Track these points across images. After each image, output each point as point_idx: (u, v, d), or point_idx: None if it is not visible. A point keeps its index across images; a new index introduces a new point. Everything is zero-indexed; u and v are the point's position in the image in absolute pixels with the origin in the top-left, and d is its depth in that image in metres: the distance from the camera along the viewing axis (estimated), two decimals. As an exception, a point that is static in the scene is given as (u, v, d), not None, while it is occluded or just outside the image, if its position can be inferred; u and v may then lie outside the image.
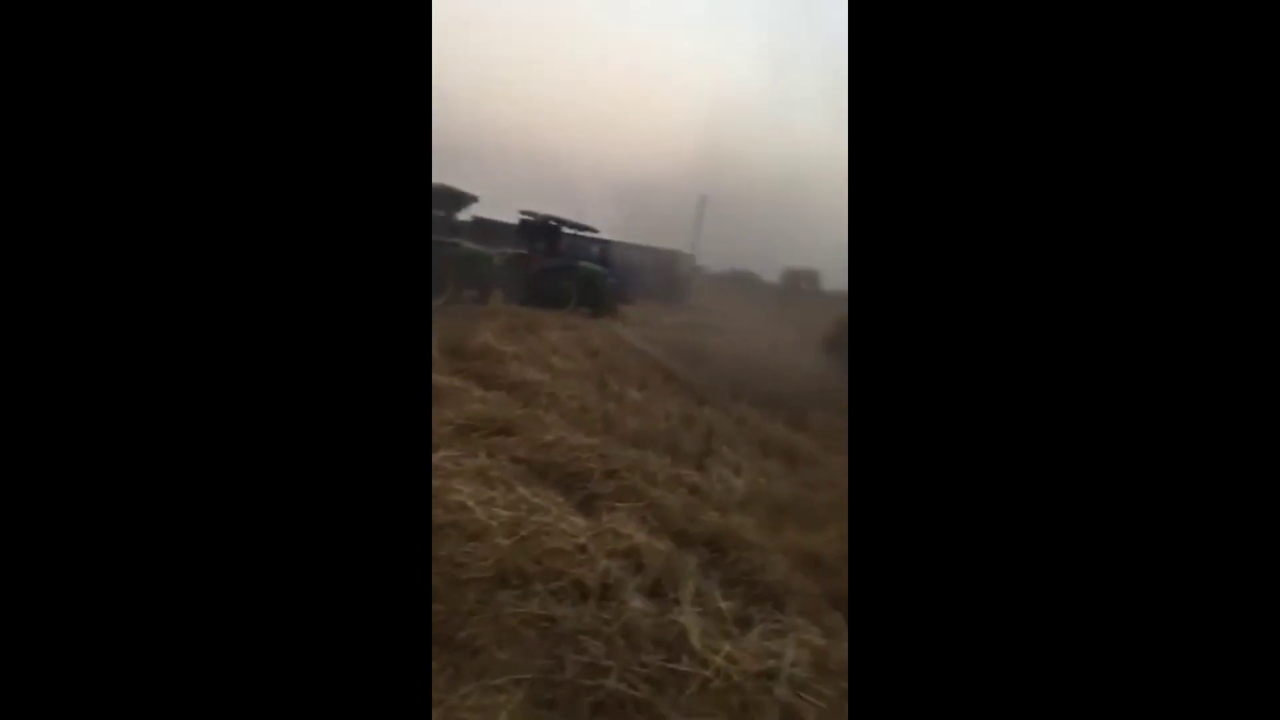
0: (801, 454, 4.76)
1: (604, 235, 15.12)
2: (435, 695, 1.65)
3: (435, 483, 2.70)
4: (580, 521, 2.67)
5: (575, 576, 2.24)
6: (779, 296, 25.33)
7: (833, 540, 3.01)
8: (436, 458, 3.05)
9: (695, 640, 1.92)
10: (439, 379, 4.68)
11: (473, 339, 6.46)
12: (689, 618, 2.04)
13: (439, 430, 3.57)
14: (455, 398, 4.35)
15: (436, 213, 10.62)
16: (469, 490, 2.71)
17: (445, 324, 6.52)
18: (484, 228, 13.19)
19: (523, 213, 13.86)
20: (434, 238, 8.56)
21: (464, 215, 12.71)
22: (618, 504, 3.02)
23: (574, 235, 14.18)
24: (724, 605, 2.21)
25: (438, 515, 2.45)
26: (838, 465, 4.57)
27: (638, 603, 2.14)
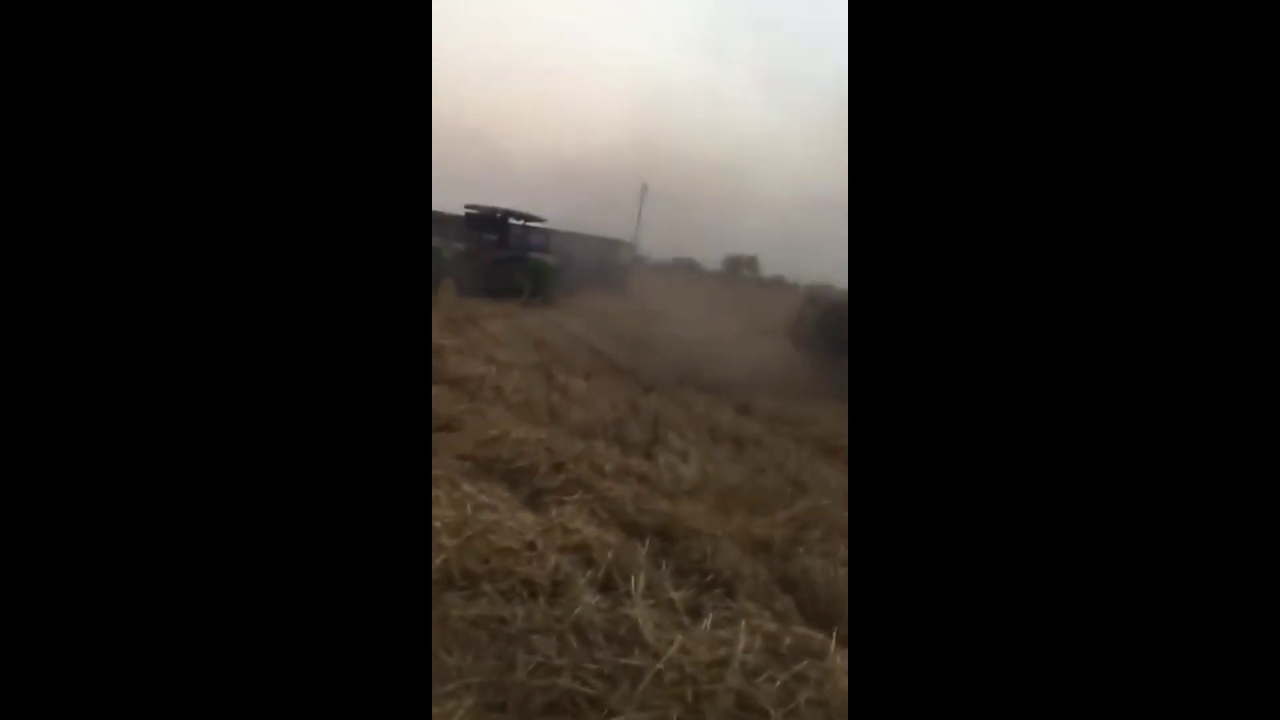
0: (748, 438, 4.81)
1: (551, 226, 15.01)
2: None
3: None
4: (528, 517, 2.63)
5: (524, 575, 2.20)
6: (721, 283, 25.56)
7: (781, 524, 3.05)
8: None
9: (647, 633, 1.91)
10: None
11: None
12: (641, 610, 2.02)
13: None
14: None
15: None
16: (411, 490, 2.63)
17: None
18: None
19: (468, 206, 13.63)
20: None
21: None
22: (566, 498, 2.98)
23: (522, 226, 14.02)
24: (675, 595, 2.20)
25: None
26: (784, 449, 4.64)
27: (589, 598, 2.11)
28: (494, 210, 13.67)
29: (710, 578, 2.46)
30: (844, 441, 4.90)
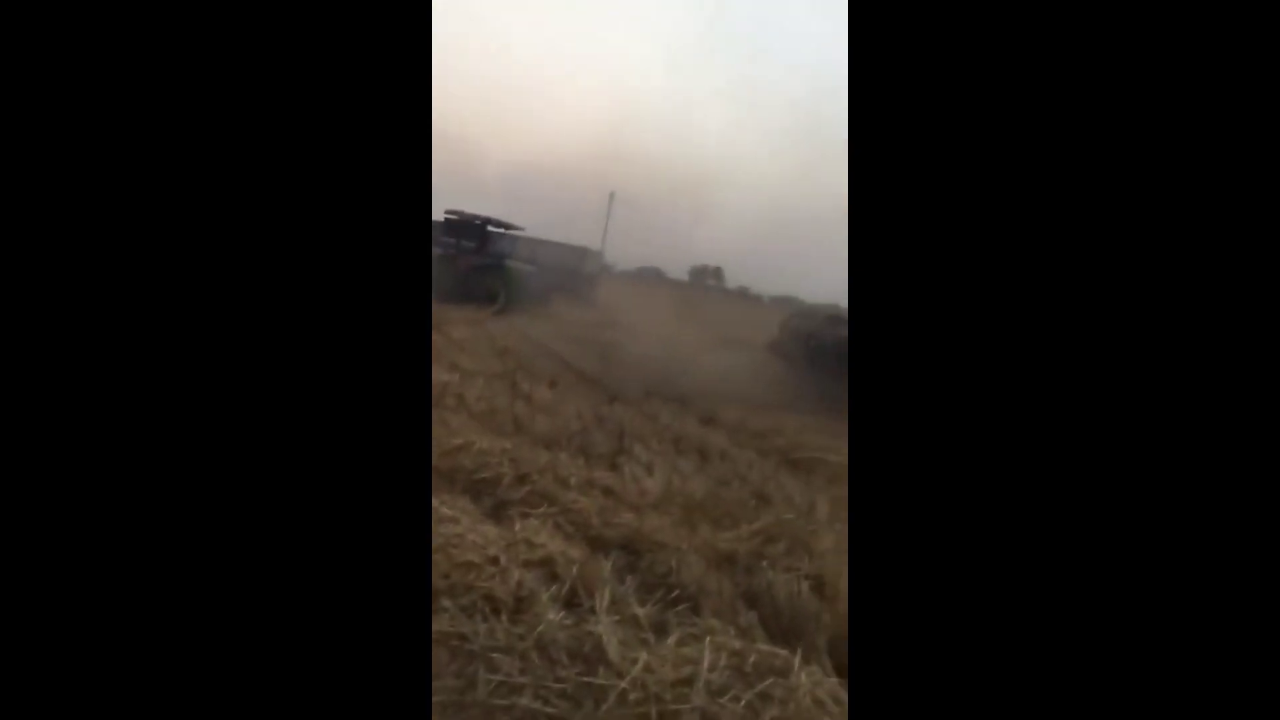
0: (713, 450, 4.81)
1: (527, 233, 15.02)
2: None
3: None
4: (491, 531, 2.58)
5: (486, 590, 2.16)
6: (686, 293, 25.68)
7: (744, 537, 3.05)
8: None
9: (612, 651, 1.88)
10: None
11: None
12: (605, 627, 2.00)
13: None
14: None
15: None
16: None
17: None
18: None
19: (448, 212, 13.58)
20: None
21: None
22: (530, 510, 2.94)
23: (501, 234, 14.02)
24: (640, 612, 2.19)
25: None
26: (748, 460, 4.66)
27: (552, 615, 2.08)
28: (474, 217, 13.63)
29: (675, 593, 2.44)
30: (807, 454, 4.94)
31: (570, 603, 2.23)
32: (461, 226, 13.51)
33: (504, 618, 2.05)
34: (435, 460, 3.34)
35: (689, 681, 1.80)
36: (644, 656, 1.87)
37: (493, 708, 1.72)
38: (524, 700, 1.73)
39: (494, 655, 1.87)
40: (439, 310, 9.23)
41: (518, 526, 2.68)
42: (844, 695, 1.89)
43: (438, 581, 2.16)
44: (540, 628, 1.99)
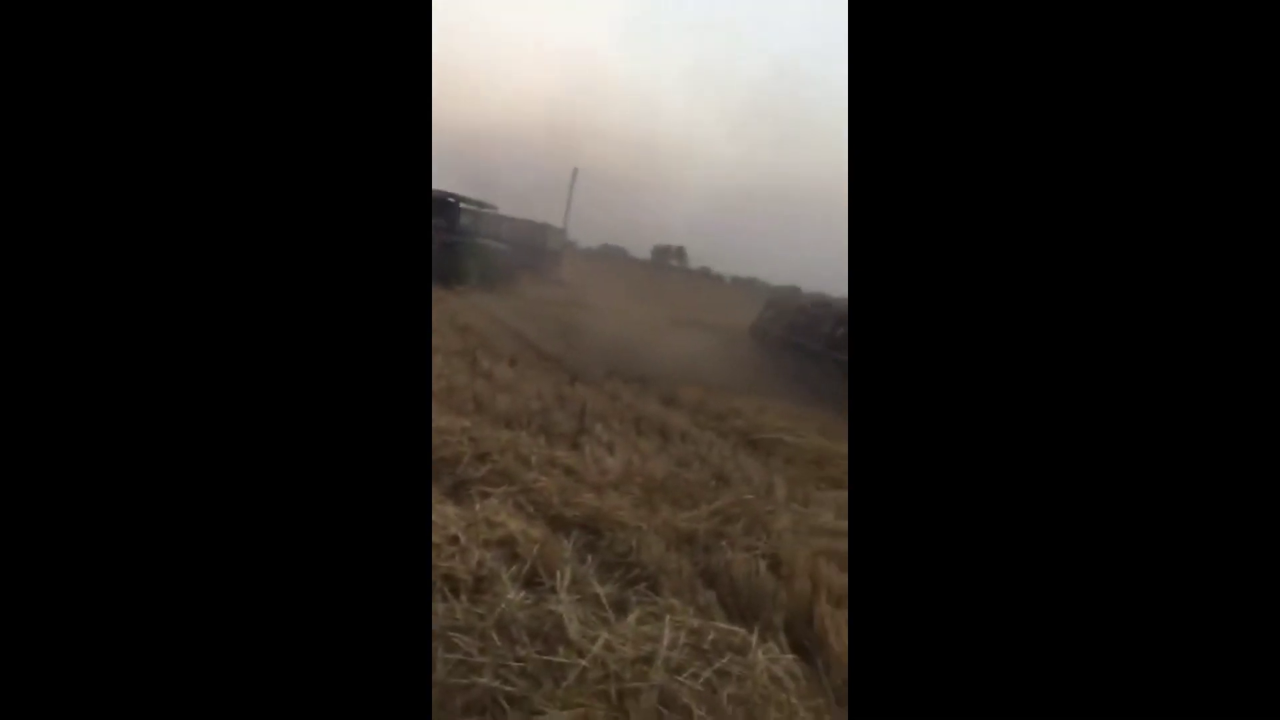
0: (674, 431, 4.84)
1: (497, 211, 14.80)
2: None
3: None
4: (451, 510, 2.57)
5: (446, 570, 2.15)
6: (649, 272, 25.65)
7: (704, 517, 3.08)
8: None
9: (572, 630, 1.89)
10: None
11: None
12: (566, 607, 2.00)
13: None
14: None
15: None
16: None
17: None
18: None
19: None
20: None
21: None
22: (490, 489, 2.92)
23: (473, 212, 13.79)
24: (601, 591, 2.20)
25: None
26: (708, 441, 4.70)
27: (513, 594, 2.08)
28: (445, 195, 13.36)
29: (635, 572, 2.46)
30: (766, 435, 5.00)
31: (531, 582, 2.23)
32: (433, 204, 13.29)
33: (464, 597, 2.05)
34: (393, 438, 3.29)
35: (649, 659, 1.82)
36: (604, 635, 1.88)
37: (451, 687, 1.71)
38: (483, 679, 1.73)
39: (453, 635, 1.86)
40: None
41: (478, 506, 2.66)
42: (799, 671, 1.94)
43: (396, 561, 2.14)
44: (500, 607, 1.99)
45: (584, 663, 1.78)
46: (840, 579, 2.59)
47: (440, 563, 2.18)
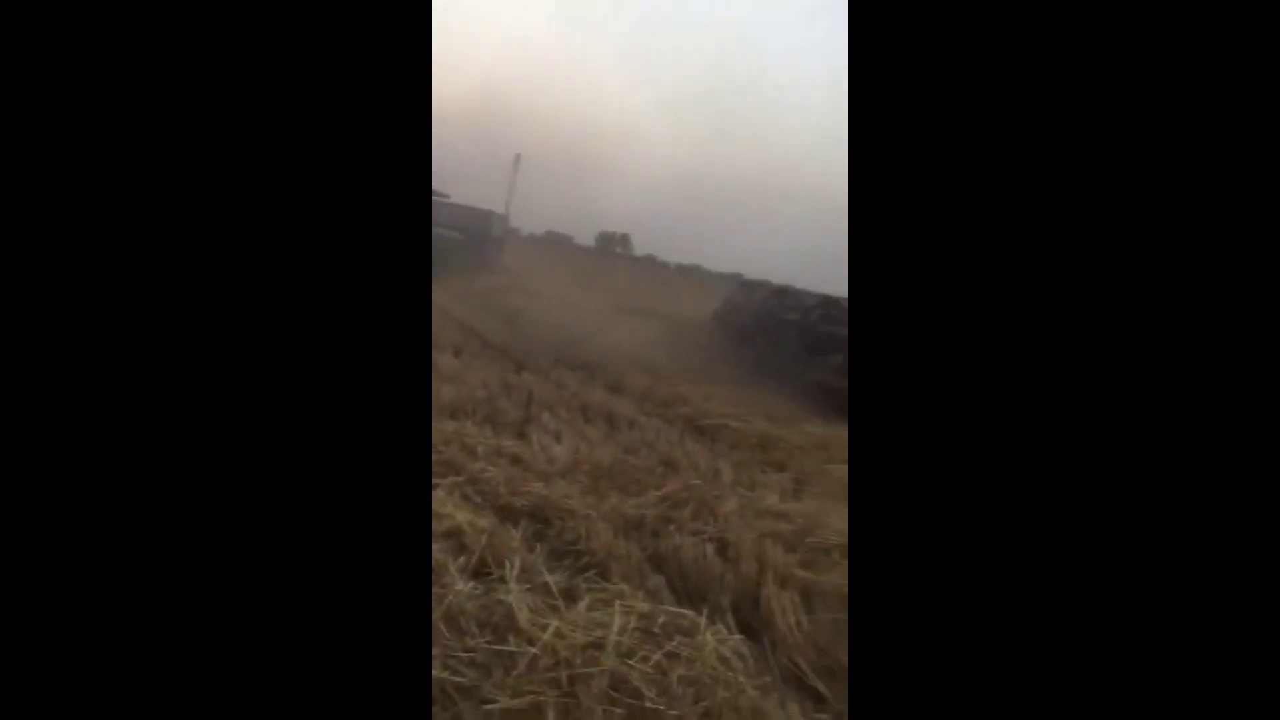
0: (621, 418, 4.86)
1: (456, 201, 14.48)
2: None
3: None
4: (395, 502, 2.52)
5: (392, 563, 2.11)
6: (594, 259, 25.56)
7: (652, 503, 3.11)
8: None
9: (522, 619, 1.89)
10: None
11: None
12: (515, 596, 2.00)
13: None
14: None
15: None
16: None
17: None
18: None
19: None
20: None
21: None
22: (437, 481, 2.89)
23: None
24: (550, 579, 2.20)
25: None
26: (655, 428, 4.73)
27: (461, 585, 2.06)
28: None
29: (585, 559, 2.47)
30: (712, 421, 5.06)
31: (479, 572, 2.22)
32: None
33: (411, 590, 2.02)
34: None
35: (599, 645, 1.84)
36: (554, 623, 1.89)
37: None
38: (434, 670, 1.71)
39: (401, 628, 1.84)
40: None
41: (424, 497, 2.62)
42: (746, 651, 1.99)
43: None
44: (448, 599, 1.97)
45: (535, 650, 1.79)
46: (785, 559, 2.66)
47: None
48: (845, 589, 2.48)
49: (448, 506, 2.56)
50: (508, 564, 2.22)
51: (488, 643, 1.83)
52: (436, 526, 2.38)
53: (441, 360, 5.73)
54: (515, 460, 3.39)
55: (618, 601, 2.06)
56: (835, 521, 3.08)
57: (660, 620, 1.99)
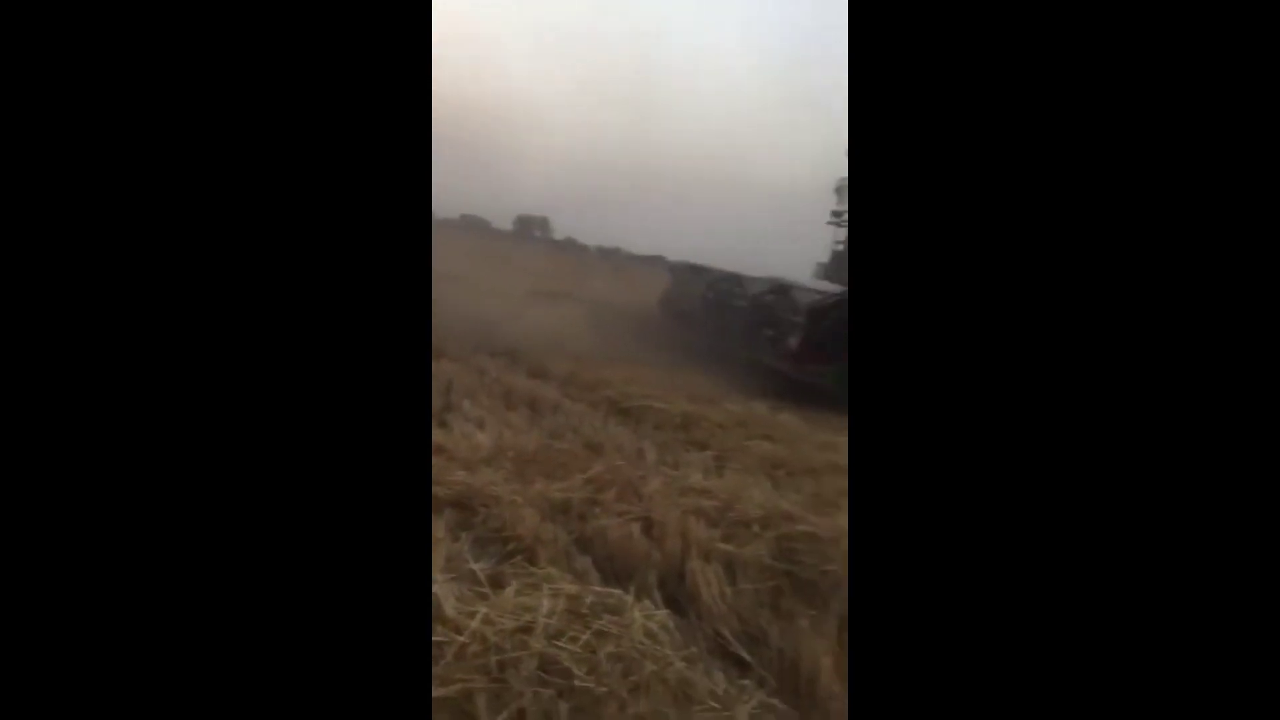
0: (545, 404, 4.84)
1: None
2: None
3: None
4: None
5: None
6: (512, 243, 25.17)
7: (577, 486, 3.13)
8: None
9: (449, 609, 1.88)
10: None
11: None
12: (441, 587, 1.98)
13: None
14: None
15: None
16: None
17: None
18: None
19: None
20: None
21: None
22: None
23: None
24: (477, 567, 2.19)
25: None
26: (580, 412, 4.74)
27: (384, 578, 2.03)
28: None
29: (511, 546, 2.47)
30: (635, 403, 5.11)
31: (403, 565, 2.18)
32: None
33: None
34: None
35: (528, 629, 1.85)
36: (482, 610, 1.89)
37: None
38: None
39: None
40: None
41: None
42: (673, 625, 2.04)
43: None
44: (372, 593, 1.94)
45: (462, 638, 1.78)
46: (708, 534, 2.73)
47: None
48: (765, 559, 2.58)
49: (368, 500, 2.51)
50: (432, 554, 2.19)
51: (414, 634, 1.81)
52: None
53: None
54: (438, 449, 3.33)
55: (545, 585, 2.08)
56: (755, 495, 3.18)
57: (588, 601, 2.02)
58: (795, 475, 3.83)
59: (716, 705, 1.73)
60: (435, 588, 1.97)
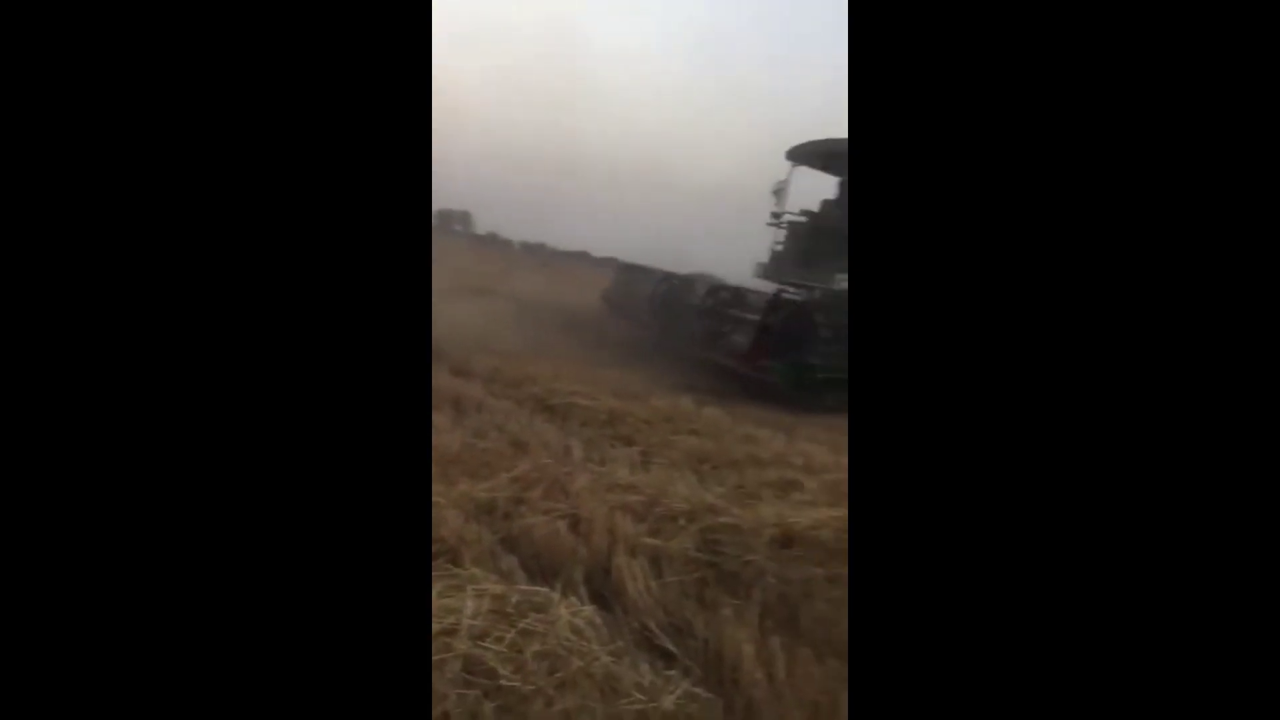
0: (469, 402, 4.77)
1: None
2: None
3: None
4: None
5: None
6: (434, 238, 24.60)
7: (503, 485, 3.10)
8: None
9: (370, 614, 1.84)
10: None
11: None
12: (362, 591, 1.94)
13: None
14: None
15: None
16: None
17: None
18: None
19: None
20: None
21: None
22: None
23: None
24: (399, 570, 2.15)
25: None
26: (505, 410, 4.69)
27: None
28: None
29: (435, 547, 2.43)
30: (561, 400, 5.10)
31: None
32: None
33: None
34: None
35: (452, 631, 1.83)
36: (405, 614, 1.86)
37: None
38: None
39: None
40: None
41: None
42: (599, 621, 2.06)
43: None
44: (288, 602, 1.88)
45: (384, 644, 1.75)
46: (635, 529, 2.76)
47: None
48: (690, 552, 2.63)
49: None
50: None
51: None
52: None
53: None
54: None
55: (470, 586, 2.06)
56: (681, 489, 3.23)
57: (514, 600, 2.01)
58: (719, 468, 3.90)
59: (642, 697, 1.76)
60: (355, 594, 1.92)
